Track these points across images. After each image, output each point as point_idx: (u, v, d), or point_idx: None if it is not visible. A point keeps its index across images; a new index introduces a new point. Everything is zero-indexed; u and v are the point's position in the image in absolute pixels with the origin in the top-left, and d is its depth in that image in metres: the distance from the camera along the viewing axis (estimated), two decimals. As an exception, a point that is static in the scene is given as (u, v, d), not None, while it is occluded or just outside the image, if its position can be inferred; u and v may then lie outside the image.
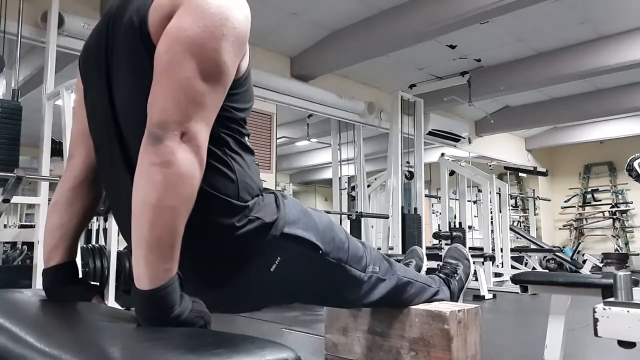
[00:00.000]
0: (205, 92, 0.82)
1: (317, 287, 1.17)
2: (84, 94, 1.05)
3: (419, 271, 1.72)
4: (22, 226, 7.14)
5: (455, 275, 1.65)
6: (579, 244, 9.83)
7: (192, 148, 0.79)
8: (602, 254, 7.66)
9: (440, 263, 1.77)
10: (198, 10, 0.83)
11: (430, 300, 1.51)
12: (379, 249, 6.24)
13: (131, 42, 0.87)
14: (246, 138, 1.00)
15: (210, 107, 0.84)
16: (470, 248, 6.77)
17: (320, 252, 1.06)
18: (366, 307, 1.47)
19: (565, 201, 10.25)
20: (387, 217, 5.83)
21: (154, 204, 0.75)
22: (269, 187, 1.06)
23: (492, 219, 6.30)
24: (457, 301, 1.62)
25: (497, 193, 6.52)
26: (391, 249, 5.67)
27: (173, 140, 0.77)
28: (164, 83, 0.81)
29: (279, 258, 0.99)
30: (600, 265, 7.30)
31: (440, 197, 7.30)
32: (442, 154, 6.96)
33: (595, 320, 1.14)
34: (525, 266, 7.43)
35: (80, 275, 1.09)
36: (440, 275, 1.64)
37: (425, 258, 1.79)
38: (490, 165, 7.18)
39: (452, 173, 6.87)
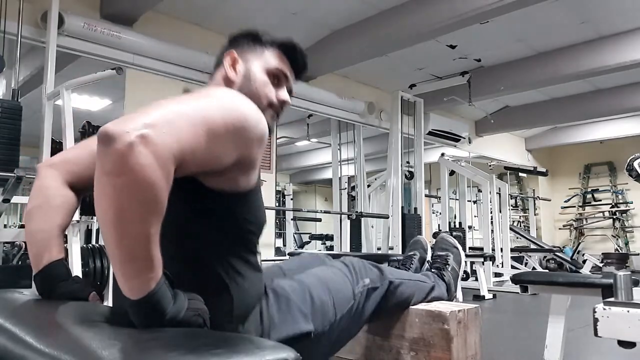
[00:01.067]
0: (182, 118, 0.75)
1: (321, 355, 1.17)
2: None
3: (423, 263, 1.71)
4: (22, 226, 7.13)
5: (447, 266, 1.63)
6: (579, 244, 9.83)
7: (149, 152, 0.67)
8: (602, 254, 7.67)
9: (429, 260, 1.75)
10: (208, 92, 0.89)
11: (428, 295, 1.51)
12: (379, 249, 6.24)
13: None
14: (256, 257, 1.00)
15: (183, 131, 0.74)
16: (470, 248, 6.78)
17: (312, 335, 1.07)
18: (369, 323, 1.44)
19: (565, 201, 10.25)
20: (387, 217, 5.83)
21: (113, 220, 0.69)
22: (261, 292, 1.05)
23: (492, 219, 6.30)
24: (454, 291, 1.61)
25: (497, 193, 6.51)
26: (391, 248, 5.67)
27: (123, 141, 0.66)
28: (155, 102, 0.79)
29: None
30: (600, 265, 7.30)
31: (440, 197, 7.30)
32: (442, 154, 6.96)
33: (595, 320, 1.14)
34: (525, 266, 7.43)
35: (81, 276, 1.09)
36: (433, 270, 1.64)
37: (429, 249, 1.77)
38: (490, 165, 7.18)
39: (452, 173, 6.87)
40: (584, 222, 10.07)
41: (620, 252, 9.03)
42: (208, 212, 0.92)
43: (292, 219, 9.40)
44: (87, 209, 2.41)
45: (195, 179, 0.88)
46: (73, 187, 1.08)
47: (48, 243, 1.02)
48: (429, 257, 1.73)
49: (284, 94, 1.17)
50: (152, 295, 0.74)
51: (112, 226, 0.69)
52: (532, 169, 7.85)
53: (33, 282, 1.02)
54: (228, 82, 1.09)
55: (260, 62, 1.13)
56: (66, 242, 2.55)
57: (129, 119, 0.70)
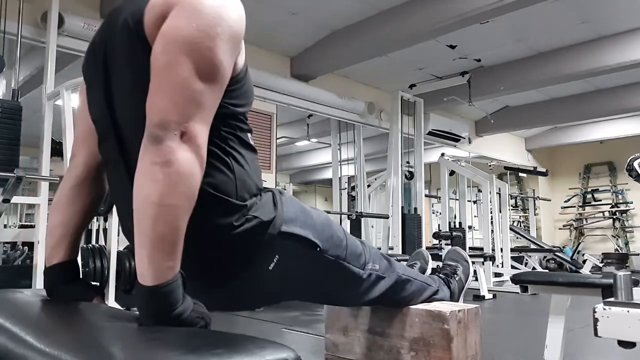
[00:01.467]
0: (202, 92, 0.83)
1: (316, 285, 1.17)
2: (87, 96, 1.07)
3: (423, 274, 1.72)
4: (22, 226, 7.14)
5: (455, 275, 1.66)
6: (579, 244, 9.83)
7: (192, 147, 0.80)
8: (602, 254, 7.67)
9: (440, 264, 1.77)
10: (192, 10, 0.84)
11: (430, 299, 1.51)
12: (379, 249, 6.25)
13: (128, 43, 0.88)
14: (248, 135, 1.00)
15: (208, 107, 0.85)
16: (470, 248, 6.78)
17: (318, 249, 1.06)
18: (366, 305, 1.47)
19: (565, 201, 10.26)
20: (387, 217, 5.83)
21: (156, 203, 0.76)
22: (267, 187, 1.06)
23: (492, 219, 6.31)
24: (457, 301, 1.62)
25: (497, 193, 6.52)
26: (391, 249, 5.67)
27: (173, 140, 0.78)
28: (162, 83, 0.82)
29: (277, 257, 0.99)
30: (600, 265, 7.30)
31: (440, 197, 7.30)
32: (442, 154, 6.96)
33: (595, 320, 1.14)
34: (525, 266, 7.43)
35: (81, 276, 1.09)
36: (440, 275, 1.65)
37: (430, 260, 1.79)
38: (490, 165, 7.18)
39: (452, 173, 6.87)
40: (584, 222, 10.07)
41: (620, 252, 9.04)
42: None
43: (292, 219, 9.38)
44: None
45: None
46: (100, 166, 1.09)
47: (64, 240, 1.04)
48: (429, 270, 1.75)
49: None
50: (168, 285, 0.76)
51: (153, 209, 0.76)
52: (532, 169, 7.85)
53: (34, 280, 1.03)
54: None
55: None
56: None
57: (167, 113, 0.79)
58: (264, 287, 1.04)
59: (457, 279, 1.65)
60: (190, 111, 0.81)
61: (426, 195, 7.66)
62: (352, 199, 6.98)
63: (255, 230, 0.95)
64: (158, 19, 0.85)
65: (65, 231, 1.05)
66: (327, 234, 1.10)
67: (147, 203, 0.77)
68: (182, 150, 0.79)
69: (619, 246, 9.43)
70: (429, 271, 1.76)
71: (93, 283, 1.24)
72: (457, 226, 6.81)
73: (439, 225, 7.84)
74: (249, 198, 0.96)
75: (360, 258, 1.20)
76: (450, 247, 5.28)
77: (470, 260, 1.75)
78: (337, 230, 1.15)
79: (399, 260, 1.51)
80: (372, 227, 6.75)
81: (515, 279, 1.93)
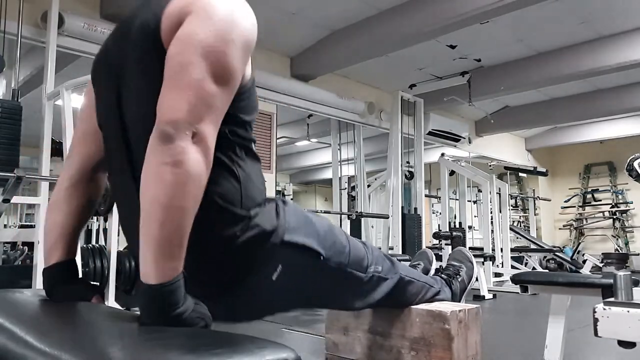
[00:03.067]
0: (215, 94, 0.84)
1: (320, 293, 1.16)
2: (95, 98, 1.07)
3: (427, 274, 1.72)
4: (22, 226, 7.14)
5: (458, 276, 1.66)
6: (579, 244, 9.83)
7: (202, 149, 0.80)
8: (602, 254, 7.66)
9: (441, 264, 1.77)
10: (208, 16, 0.86)
11: (431, 300, 1.51)
12: (379, 249, 6.24)
13: (143, 47, 0.89)
14: (253, 145, 1.00)
15: (219, 110, 0.86)
16: (470, 248, 6.77)
17: (322, 258, 1.06)
18: (369, 307, 1.47)
19: (565, 201, 10.25)
20: (387, 217, 5.83)
21: (164, 204, 0.76)
22: (271, 196, 1.05)
23: (492, 219, 6.30)
24: (459, 302, 1.62)
25: (497, 193, 6.51)
26: (391, 249, 5.67)
27: (185, 140, 0.78)
28: (175, 83, 0.82)
29: (280, 266, 0.99)
30: (600, 265, 7.30)
31: (440, 197, 7.29)
32: (442, 154, 6.96)
33: (595, 320, 1.14)
34: (525, 266, 7.43)
35: (80, 275, 1.09)
36: (443, 276, 1.65)
37: (434, 261, 1.79)
38: (490, 165, 7.18)
39: (452, 173, 6.87)
40: (584, 222, 10.07)
41: (620, 252, 9.03)
42: None
43: (292, 219, 9.38)
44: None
45: None
46: (99, 166, 1.09)
47: (62, 240, 1.04)
48: (432, 270, 1.75)
49: None
50: (171, 284, 0.77)
51: (161, 209, 0.76)
52: (532, 169, 7.85)
53: (34, 280, 1.03)
54: None
55: None
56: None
57: (179, 113, 0.79)
58: (267, 297, 1.03)
59: (459, 280, 1.65)
60: (203, 112, 0.82)
61: (426, 195, 7.65)
62: (352, 199, 6.98)
63: (257, 240, 0.95)
64: (174, 25, 0.86)
65: (62, 231, 1.04)
66: (330, 242, 1.10)
67: (155, 204, 0.77)
68: (193, 150, 0.79)
69: (619, 246, 9.43)
70: (432, 272, 1.76)
71: (92, 283, 1.24)
72: (457, 226, 6.80)
73: (439, 225, 7.83)
74: (253, 207, 0.96)
75: (363, 262, 1.20)
76: (450, 247, 5.29)
77: (475, 261, 1.75)
78: (339, 236, 1.15)
79: (400, 261, 1.51)
80: (372, 227, 6.74)
81: (515, 279, 1.93)
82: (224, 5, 0.89)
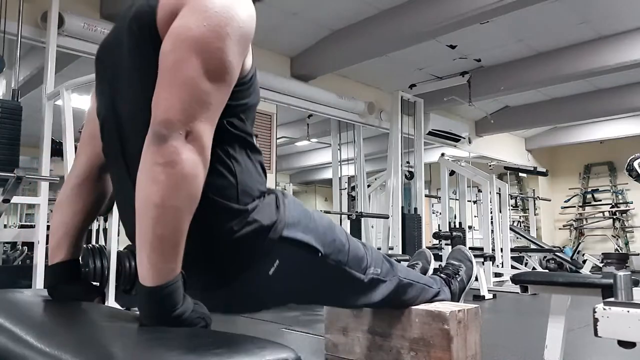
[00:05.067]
0: (210, 92, 0.82)
1: (317, 290, 1.16)
2: (96, 95, 1.07)
3: (425, 274, 1.72)
4: (22, 226, 7.14)
5: (457, 276, 1.65)
6: (579, 244, 9.83)
7: (197, 148, 0.79)
8: (602, 254, 7.66)
9: (441, 264, 1.77)
10: (202, 9, 0.83)
11: (431, 300, 1.51)
12: (379, 249, 6.25)
13: (138, 38, 0.87)
14: (252, 138, 0.99)
15: (214, 107, 0.84)
16: (470, 248, 6.76)
17: (320, 255, 1.05)
18: (367, 308, 1.47)
19: (565, 201, 10.25)
20: (387, 217, 5.83)
21: (158, 204, 0.75)
22: (271, 188, 1.05)
23: (492, 219, 6.30)
24: (458, 302, 1.62)
25: (497, 193, 6.51)
26: (391, 249, 5.67)
27: (178, 139, 0.77)
28: (169, 82, 0.81)
29: (277, 261, 0.98)
30: (600, 265, 7.30)
31: (440, 197, 7.29)
32: (442, 154, 6.96)
33: (595, 320, 1.14)
34: (525, 266, 7.43)
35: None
36: (442, 275, 1.65)
37: (432, 261, 1.79)
38: (490, 165, 7.18)
39: (452, 173, 6.87)
40: (584, 222, 10.07)
41: (620, 252, 9.03)
42: None
43: (292, 219, 9.38)
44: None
45: None
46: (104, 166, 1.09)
47: (66, 239, 1.04)
48: (430, 270, 1.75)
49: None
50: (169, 286, 0.76)
51: (155, 210, 0.75)
52: (532, 169, 7.85)
53: (34, 280, 1.03)
54: None
55: None
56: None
57: (173, 111, 0.78)
58: (263, 292, 1.03)
59: (458, 279, 1.65)
60: (197, 111, 0.80)
61: (426, 195, 7.65)
62: (352, 199, 6.98)
63: (255, 235, 0.94)
64: (170, 15, 0.84)
65: (66, 230, 1.04)
66: (330, 239, 1.09)
67: (148, 204, 0.76)
68: (186, 150, 0.77)
69: (619, 246, 9.43)
70: (430, 272, 1.75)
71: (94, 284, 1.24)
72: (457, 226, 6.80)
73: (439, 225, 7.83)
74: (251, 201, 0.95)
75: (362, 262, 1.20)
76: (450, 247, 5.29)
77: (474, 260, 1.75)
78: (339, 234, 1.14)
79: (399, 261, 1.51)
80: (372, 227, 6.74)
81: (515, 279, 1.93)
82: None
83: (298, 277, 1.06)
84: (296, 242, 1.00)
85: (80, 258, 1.09)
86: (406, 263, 1.79)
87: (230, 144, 0.93)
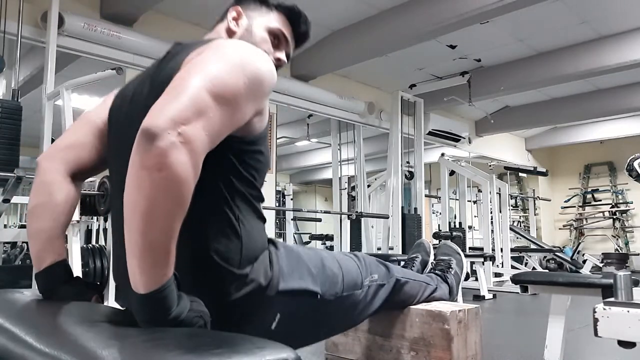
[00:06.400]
0: (209, 104, 0.79)
1: (321, 326, 1.18)
2: (107, 134, 1.07)
3: (425, 266, 1.73)
4: (22, 226, 7.14)
5: (450, 269, 1.67)
6: (579, 244, 9.82)
7: (187, 151, 0.73)
8: (602, 254, 7.65)
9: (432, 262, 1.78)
10: (222, 51, 0.88)
11: (430, 297, 1.52)
12: (379, 249, 6.24)
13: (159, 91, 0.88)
14: (259, 204, 1.00)
15: (213, 121, 0.79)
16: (470, 248, 6.78)
17: (319, 297, 1.07)
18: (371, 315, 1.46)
19: (565, 201, 10.25)
20: (387, 217, 5.82)
21: (144, 211, 0.72)
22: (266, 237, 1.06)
23: (492, 219, 6.30)
24: (456, 294, 1.63)
25: (497, 193, 6.51)
26: (391, 249, 5.66)
27: (165, 140, 0.71)
28: (169, 89, 0.80)
29: (278, 315, 1.00)
30: (600, 265, 7.29)
31: (440, 197, 7.29)
32: (442, 154, 6.96)
33: (595, 320, 1.14)
34: (525, 266, 7.43)
35: (81, 276, 1.09)
36: (437, 272, 1.66)
37: (432, 252, 1.79)
38: (490, 165, 7.18)
39: (452, 173, 6.87)
40: (584, 222, 10.07)
41: (620, 252, 9.03)
42: (220, 157, 0.90)
43: (292, 219, 9.40)
44: (88, 209, 2.41)
45: None
46: (75, 175, 1.08)
47: (51, 243, 1.02)
48: (431, 260, 1.75)
49: (281, 54, 1.17)
50: (161, 291, 0.74)
51: (142, 216, 0.72)
52: (532, 169, 7.84)
53: (34, 280, 1.02)
54: (230, 33, 1.11)
55: (264, 21, 1.14)
56: (66, 242, 2.56)
57: (166, 112, 0.74)
58: None
59: (452, 272, 1.67)
60: (191, 114, 0.75)
61: (426, 195, 7.65)
62: (352, 199, 6.97)
63: (253, 295, 0.95)
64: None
65: (50, 234, 1.02)
66: (324, 277, 1.10)
67: (136, 211, 0.73)
68: (175, 152, 0.72)
69: (619, 246, 9.43)
70: (431, 259, 1.76)
71: (90, 282, 1.24)
72: (457, 226, 6.80)
73: (439, 225, 7.83)
74: (251, 266, 0.96)
75: (357, 281, 1.21)
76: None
77: (462, 252, 1.77)
78: (331, 266, 1.14)
79: (399, 261, 1.51)
80: (372, 227, 6.74)
81: (515, 279, 1.93)
82: (242, 46, 0.90)
83: (301, 322, 1.07)
84: (294, 292, 1.01)
85: (79, 258, 1.08)
86: (406, 257, 1.80)
87: (240, 208, 0.94)
